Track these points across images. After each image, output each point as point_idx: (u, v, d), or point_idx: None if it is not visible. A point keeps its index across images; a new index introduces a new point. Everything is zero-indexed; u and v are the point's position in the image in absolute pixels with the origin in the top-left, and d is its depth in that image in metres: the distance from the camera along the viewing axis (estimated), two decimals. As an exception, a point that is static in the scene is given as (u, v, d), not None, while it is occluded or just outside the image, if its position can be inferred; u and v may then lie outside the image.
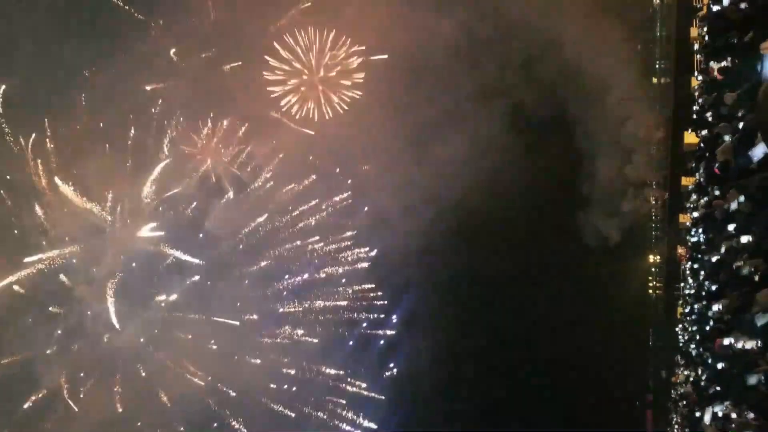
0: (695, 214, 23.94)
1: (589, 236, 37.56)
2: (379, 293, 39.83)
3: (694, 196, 25.32)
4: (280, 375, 38.39)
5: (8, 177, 33.39)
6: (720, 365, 15.37)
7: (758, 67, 11.69)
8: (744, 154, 11.72)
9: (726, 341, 13.67)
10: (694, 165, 24.09)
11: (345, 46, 36.30)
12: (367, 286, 39.57)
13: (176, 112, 35.33)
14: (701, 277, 21.60)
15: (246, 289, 37.79)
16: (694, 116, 22.96)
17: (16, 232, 33.71)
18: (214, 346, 37.05)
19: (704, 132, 19.85)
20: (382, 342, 41.25)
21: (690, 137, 26.63)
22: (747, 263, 12.39)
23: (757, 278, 12.08)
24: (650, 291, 44.05)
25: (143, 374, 35.48)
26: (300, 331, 38.84)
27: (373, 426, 40.37)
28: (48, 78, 31.89)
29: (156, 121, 35.13)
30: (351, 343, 40.58)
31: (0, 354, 32.97)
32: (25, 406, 33.60)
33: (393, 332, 41.06)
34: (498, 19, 33.02)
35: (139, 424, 35.90)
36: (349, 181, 39.00)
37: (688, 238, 28.62)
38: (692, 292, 26.80)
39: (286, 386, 38.60)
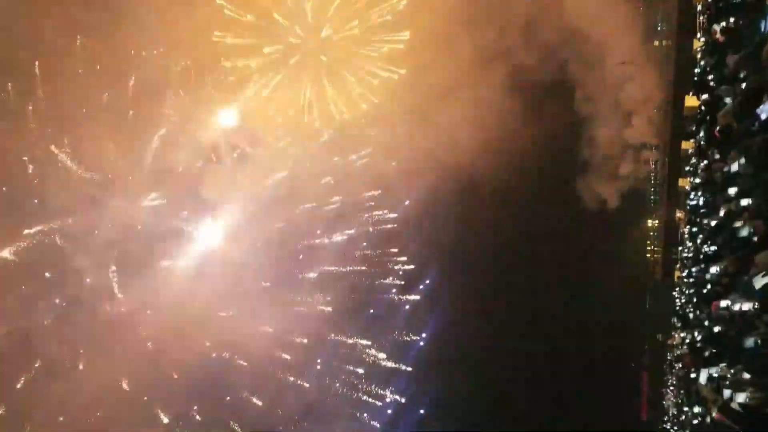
0: (697, 181, 23.91)
1: (588, 199, 37.65)
2: (403, 258, 37.61)
3: (693, 160, 25.29)
4: (293, 344, 36.63)
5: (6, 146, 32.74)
6: (716, 328, 15.50)
7: (763, 25, 11.51)
8: (747, 115, 11.63)
9: (723, 303, 13.77)
10: (694, 128, 23.98)
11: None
12: (390, 250, 37.25)
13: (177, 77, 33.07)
14: (699, 241, 21.69)
15: (258, 253, 35.48)
16: (695, 79, 22.78)
17: (13, 202, 33.18)
18: (222, 314, 35.22)
19: (705, 95, 19.69)
20: (407, 307, 39.26)
21: (691, 100, 26.48)
22: (747, 223, 12.41)
23: (756, 240, 12.12)
24: (648, 255, 44.33)
25: (149, 345, 33.87)
26: (316, 297, 36.75)
27: (401, 400, 38.89)
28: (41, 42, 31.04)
29: (155, 88, 33.37)
30: (372, 311, 38.70)
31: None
32: (24, 377, 32.35)
33: (417, 297, 38.89)
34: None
35: (145, 398, 34.45)
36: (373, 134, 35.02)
37: (687, 201, 28.67)
38: (690, 255, 26.92)
39: (299, 356, 36.70)
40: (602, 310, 39.68)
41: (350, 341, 37.97)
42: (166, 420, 35.16)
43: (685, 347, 27.76)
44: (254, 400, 36.40)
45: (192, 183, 34.45)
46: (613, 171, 38.17)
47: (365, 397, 38.64)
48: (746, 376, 11.79)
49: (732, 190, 13.93)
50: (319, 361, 38.16)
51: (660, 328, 42.33)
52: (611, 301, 39.86)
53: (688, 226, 28.73)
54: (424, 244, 38.50)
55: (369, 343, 38.36)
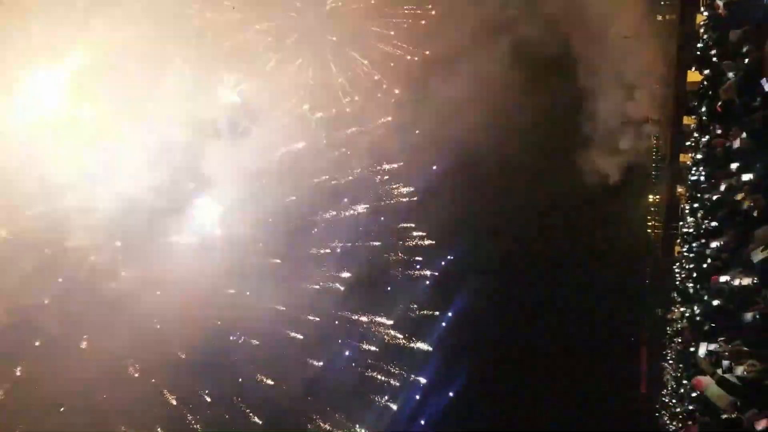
0: (698, 156, 23.83)
1: (589, 174, 37.54)
2: (422, 233, 36.58)
3: (695, 135, 25.15)
4: (304, 322, 35.77)
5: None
6: (716, 302, 15.61)
7: None
8: (749, 90, 11.61)
9: (722, 278, 13.87)
10: (696, 103, 23.83)
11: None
12: (406, 225, 36.08)
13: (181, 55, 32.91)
14: (700, 216, 21.71)
15: (268, 229, 34.63)
16: (698, 53, 22.58)
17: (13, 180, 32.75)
18: (231, 291, 34.60)
19: (707, 70, 19.55)
20: (427, 283, 38.07)
21: (693, 75, 26.26)
22: (747, 197, 12.45)
23: (756, 214, 12.17)
24: (649, 230, 44.35)
25: (158, 326, 33.41)
26: (330, 274, 35.71)
27: (422, 379, 37.92)
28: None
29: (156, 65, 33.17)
30: (389, 288, 37.60)
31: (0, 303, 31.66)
32: (27, 355, 32.11)
33: (436, 273, 37.57)
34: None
35: (153, 380, 34.28)
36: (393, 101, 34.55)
37: (688, 176, 28.58)
38: (691, 230, 26.94)
39: (311, 334, 35.75)
40: (603, 285, 39.84)
41: (365, 318, 36.76)
42: (173, 401, 34.82)
43: (684, 321, 27.93)
44: (265, 380, 35.73)
45: (195, 158, 33.80)
46: (614, 145, 38.09)
47: (380, 376, 37.59)
48: (745, 349, 11.93)
49: (733, 165, 13.93)
50: (332, 339, 37.17)
51: (660, 303, 42.54)
52: (612, 276, 40.01)
53: (689, 202, 28.71)
54: (433, 218, 37.78)
55: (386, 321, 37.18)
